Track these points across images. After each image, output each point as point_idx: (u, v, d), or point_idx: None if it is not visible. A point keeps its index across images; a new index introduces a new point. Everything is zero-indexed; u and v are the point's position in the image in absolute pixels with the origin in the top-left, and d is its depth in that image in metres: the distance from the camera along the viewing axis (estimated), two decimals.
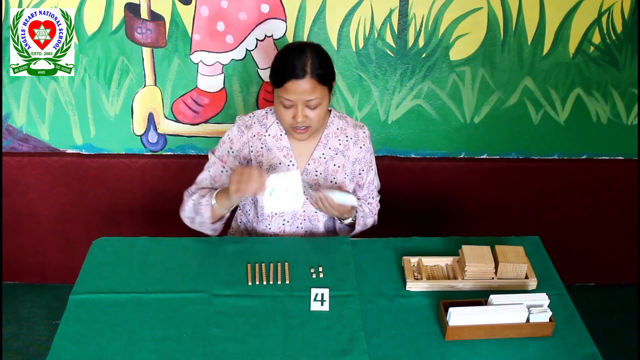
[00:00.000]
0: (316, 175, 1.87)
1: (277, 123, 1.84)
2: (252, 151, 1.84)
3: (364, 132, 1.90)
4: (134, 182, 2.51)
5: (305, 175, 1.86)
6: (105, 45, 2.27)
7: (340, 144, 1.88)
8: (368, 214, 1.99)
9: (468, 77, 2.36)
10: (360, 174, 1.93)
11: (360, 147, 1.89)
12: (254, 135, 1.84)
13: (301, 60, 1.66)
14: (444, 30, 2.26)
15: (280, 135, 1.83)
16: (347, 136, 1.88)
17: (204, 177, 1.86)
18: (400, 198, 2.55)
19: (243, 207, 2.01)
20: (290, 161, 1.84)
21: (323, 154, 1.87)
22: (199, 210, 1.78)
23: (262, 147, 1.83)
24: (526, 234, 1.93)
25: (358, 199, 1.99)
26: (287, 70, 1.67)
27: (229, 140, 1.85)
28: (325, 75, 1.70)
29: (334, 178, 1.88)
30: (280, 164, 1.84)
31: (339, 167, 1.88)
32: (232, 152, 1.83)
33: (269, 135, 1.83)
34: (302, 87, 1.67)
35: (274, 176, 1.64)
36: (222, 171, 1.84)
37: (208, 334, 1.49)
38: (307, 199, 1.83)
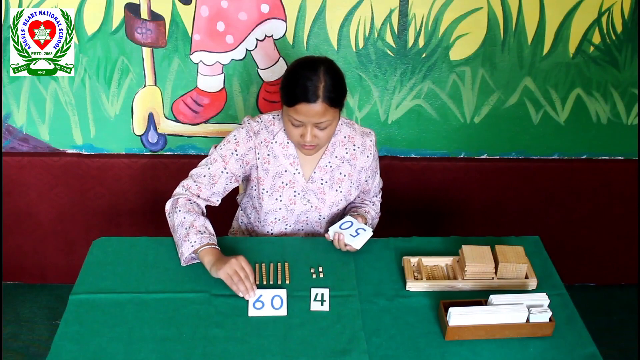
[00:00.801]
0: (322, 184, 1.85)
1: (284, 130, 1.80)
2: (258, 158, 1.81)
3: (370, 140, 1.87)
4: (134, 182, 2.51)
5: (311, 183, 1.85)
6: (105, 45, 2.27)
7: (347, 153, 1.85)
8: (375, 216, 2.01)
9: (468, 77, 2.36)
10: (366, 181, 1.93)
11: (367, 156, 1.87)
12: (261, 142, 1.80)
13: (313, 83, 1.60)
14: (444, 30, 2.26)
15: (287, 143, 1.80)
16: (354, 145, 1.85)
17: (201, 173, 1.79)
18: (400, 198, 2.55)
19: (245, 209, 2.00)
20: (296, 169, 1.82)
21: (329, 162, 1.84)
22: (180, 235, 1.69)
23: (268, 154, 1.81)
24: (526, 234, 1.93)
25: (363, 200, 2.01)
26: (299, 92, 1.61)
27: (234, 141, 1.79)
28: (337, 98, 1.65)
29: (340, 187, 1.87)
30: (286, 171, 1.82)
31: (345, 175, 1.86)
32: (236, 154, 1.79)
33: (276, 142, 1.80)
34: (314, 110, 1.62)
35: (263, 290, 1.59)
36: (222, 172, 1.79)
37: (208, 334, 1.49)
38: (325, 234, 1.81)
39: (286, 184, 1.84)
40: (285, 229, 1.92)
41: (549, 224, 2.65)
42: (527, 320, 1.50)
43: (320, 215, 1.90)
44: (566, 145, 2.51)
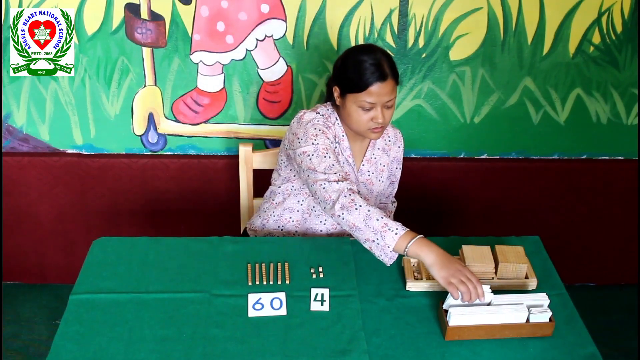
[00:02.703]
0: (369, 176, 1.92)
1: (339, 124, 1.83)
2: (335, 147, 1.83)
3: (400, 133, 2.00)
4: (134, 182, 2.51)
5: (360, 175, 1.91)
6: (105, 45, 2.27)
7: (385, 144, 1.95)
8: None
9: (468, 77, 2.36)
10: (395, 170, 2.02)
11: (399, 147, 1.99)
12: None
13: (379, 63, 1.68)
14: (444, 30, 2.27)
15: (342, 135, 1.84)
16: (389, 136, 1.96)
17: (329, 163, 1.69)
18: (401, 198, 2.54)
19: (287, 206, 1.93)
20: (353, 161, 1.87)
21: (373, 154, 1.92)
22: (376, 229, 1.58)
23: (336, 146, 1.85)
24: (526, 234, 1.93)
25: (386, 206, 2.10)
26: (370, 74, 1.68)
27: (321, 132, 1.75)
28: (398, 74, 1.75)
29: (381, 177, 1.95)
30: (344, 163, 1.86)
31: (384, 166, 1.95)
32: (329, 141, 1.76)
33: (334, 135, 1.83)
34: (386, 89, 1.69)
35: (262, 294, 1.58)
36: (337, 155, 1.77)
37: (208, 334, 1.49)
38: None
39: None
40: (327, 221, 1.92)
41: (549, 224, 2.65)
42: (527, 320, 1.50)
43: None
44: (566, 145, 2.51)
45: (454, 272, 1.48)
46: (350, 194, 1.63)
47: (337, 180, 1.66)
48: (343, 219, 1.62)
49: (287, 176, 1.91)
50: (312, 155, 1.71)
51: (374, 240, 1.59)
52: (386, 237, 1.56)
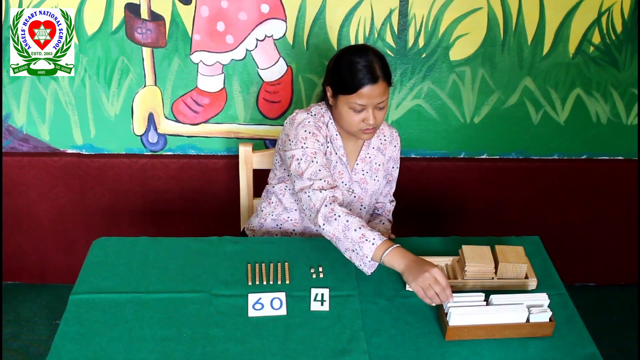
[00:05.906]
0: (363, 175, 1.92)
1: (332, 122, 1.83)
2: (327, 147, 1.83)
3: (396, 132, 1.99)
4: (134, 182, 2.51)
5: (355, 174, 1.90)
6: (105, 45, 2.27)
7: (381, 144, 1.94)
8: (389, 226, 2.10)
9: (468, 77, 2.36)
10: (392, 170, 2.02)
11: (395, 146, 1.98)
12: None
13: (370, 65, 1.68)
14: (444, 30, 2.27)
15: (336, 134, 1.84)
16: (384, 135, 1.95)
17: (316, 169, 1.70)
18: (400, 198, 2.54)
19: (285, 206, 1.94)
20: (347, 160, 1.86)
21: (368, 153, 1.92)
22: (354, 239, 1.60)
23: (328, 146, 1.84)
24: (526, 234, 1.93)
25: (384, 206, 2.10)
26: (361, 76, 1.67)
27: (311, 134, 1.75)
28: (390, 76, 1.73)
29: (376, 176, 1.94)
30: (337, 162, 1.86)
31: (379, 165, 1.94)
32: (319, 143, 1.77)
33: (326, 135, 1.83)
34: (377, 92, 1.68)
35: (262, 294, 1.59)
36: (327, 159, 1.77)
37: (208, 334, 1.49)
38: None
39: (336, 175, 1.87)
40: None
41: (549, 224, 2.65)
42: (527, 320, 1.50)
43: (362, 206, 1.95)
44: (566, 145, 2.51)
45: (423, 278, 1.50)
46: (330, 203, 1.65)
47: (321, 188, 1.68)
48: (324, 229, 1.66)
49: (282, 176, 1.91)
50: (301, 159, 1.73)
51: (353, 250, 1.61)
52: (364, 248, 1.59)
